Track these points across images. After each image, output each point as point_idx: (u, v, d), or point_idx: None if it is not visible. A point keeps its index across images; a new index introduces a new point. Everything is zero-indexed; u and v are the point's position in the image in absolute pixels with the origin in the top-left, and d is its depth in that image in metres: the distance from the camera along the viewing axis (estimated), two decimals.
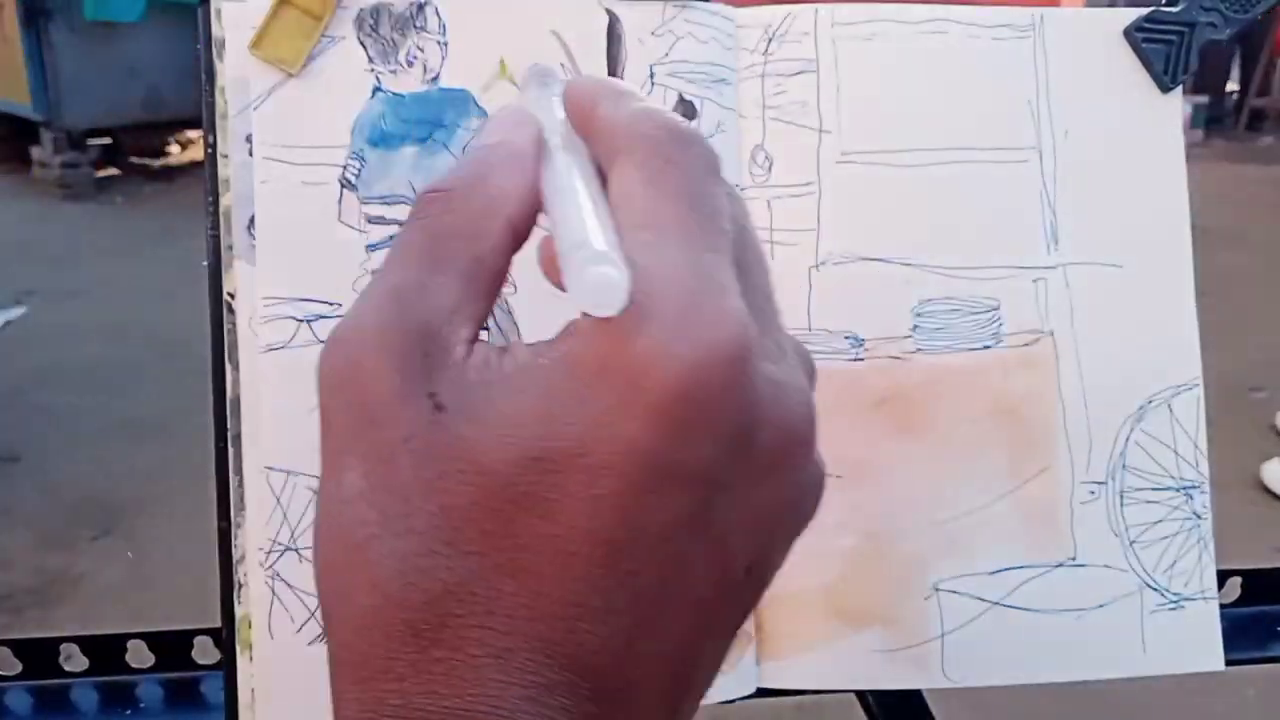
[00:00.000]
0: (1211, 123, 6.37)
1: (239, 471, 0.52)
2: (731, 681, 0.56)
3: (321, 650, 0.52)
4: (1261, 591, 0.68)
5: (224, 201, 0.52)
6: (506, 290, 0.54)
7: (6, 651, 0.63)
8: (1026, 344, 0.58)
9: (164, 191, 5.12)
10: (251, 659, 0.51)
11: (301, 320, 0.52)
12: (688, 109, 0.56)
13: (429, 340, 0.26)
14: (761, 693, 0.57)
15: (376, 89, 0.53)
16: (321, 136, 0.52)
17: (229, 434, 0.52)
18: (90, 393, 2.82)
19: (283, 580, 0.51)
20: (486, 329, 0.55)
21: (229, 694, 0.51)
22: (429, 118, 0.53)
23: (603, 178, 0.29)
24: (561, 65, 0.54)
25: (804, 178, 0.57)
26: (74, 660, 0.63)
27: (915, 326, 0.57)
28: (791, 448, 0.28)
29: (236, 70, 0.52)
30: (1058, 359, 0.58)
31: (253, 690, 0.51)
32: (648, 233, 0.26)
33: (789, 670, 0.56)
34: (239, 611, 0.52)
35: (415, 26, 0.53)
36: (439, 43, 0.54)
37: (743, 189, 0.57)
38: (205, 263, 0.52)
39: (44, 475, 2.43)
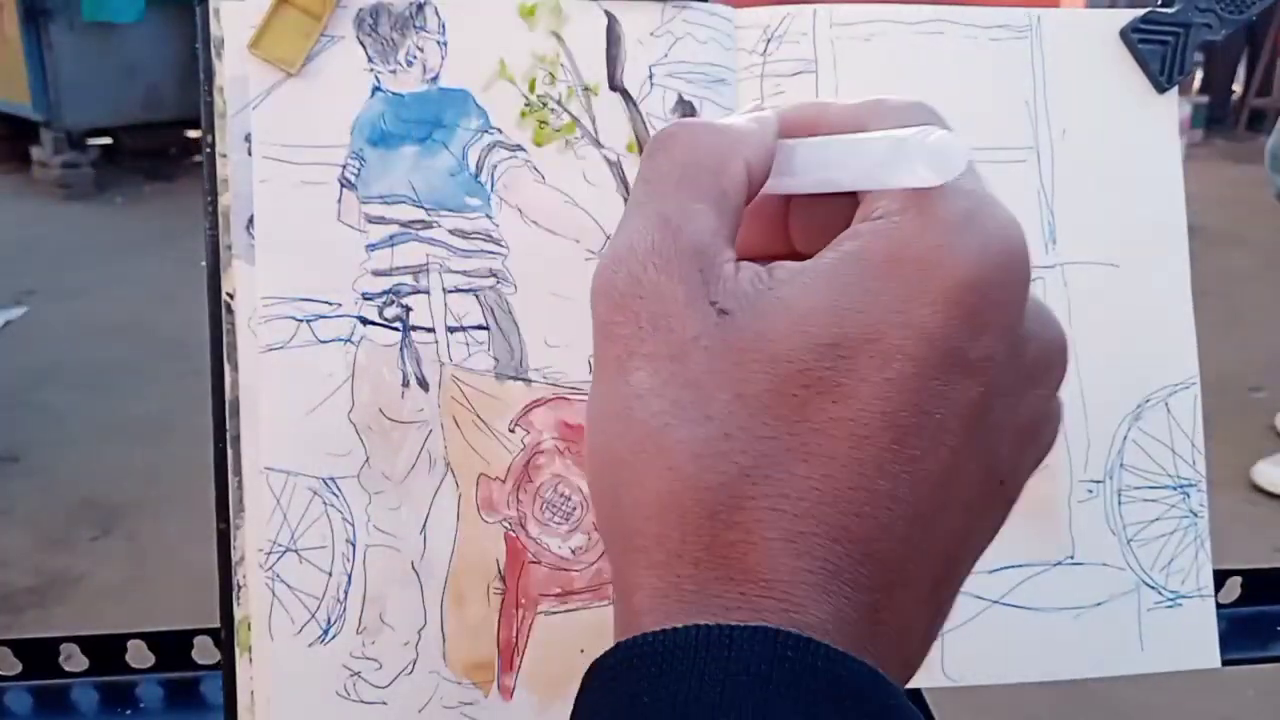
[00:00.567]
0: (1212, 123, 6.37)
1: (238, 472, 0.52)
2: None
3: (321, 651, 0.52)
4: (1261, 591, 0.68)
5: (223, 201, 0.52)
6: (506, 290, 0.54)
7: (6, 651, 0.63)
8: None
9: (164, 191, 5.12)
10: (251, 660, 0.52)
11: (301, 320, 0.52)
12: (687, 109, 0.56)
13: (701, 257, 0.27)
14: None
15: (376, 89, 0.53)
16: (321, 136, 0.52)
17: (228, 434, 0.52)
18: (90, 393, 2.82)
19: (282, 581, 0.52)
20: (486, 328, 0.55)
21: (228, 695, 0.52)
22: (429, 117, 0.53)
23: None
24: (562, 64, 0.55)
25: None
26: (74, 660, 0.63)
27: None
28: (1053, 364, 0.30)
29: (236, 70, 0.52)
30: None
31: (252, 692, 0.51)
32: None
33: None
34: (238, 612, 0.52)
35: (415, 26, 0.53)
36: (439, 42, 0.54)
37: None
38: (204, 262, 0.53)
39: (44, 475, 2.43)
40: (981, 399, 0.26)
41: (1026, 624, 0.57)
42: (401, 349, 0.53)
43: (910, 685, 0.57)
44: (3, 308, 3.44)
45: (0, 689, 0.63)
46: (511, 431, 0.54)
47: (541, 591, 0.54)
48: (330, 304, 0.52)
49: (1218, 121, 6.57)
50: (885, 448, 0.25)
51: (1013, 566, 0.57)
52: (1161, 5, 0.59)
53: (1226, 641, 0.58)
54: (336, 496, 0.52)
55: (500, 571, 0.54)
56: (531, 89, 0.54)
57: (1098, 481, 0.58)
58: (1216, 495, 0.59)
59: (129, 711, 0.62)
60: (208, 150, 0.52)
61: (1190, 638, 0.58)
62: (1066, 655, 0.57)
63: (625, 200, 0.55)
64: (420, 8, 0.53)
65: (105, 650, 0.63)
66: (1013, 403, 0.28)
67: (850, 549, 0.25)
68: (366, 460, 0.53)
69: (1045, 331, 0.29)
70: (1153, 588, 0.58)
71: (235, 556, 0.52)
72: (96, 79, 4.90)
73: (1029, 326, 0.27)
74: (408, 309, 0.53)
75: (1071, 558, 0.58)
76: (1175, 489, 0.59)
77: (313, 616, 0.52)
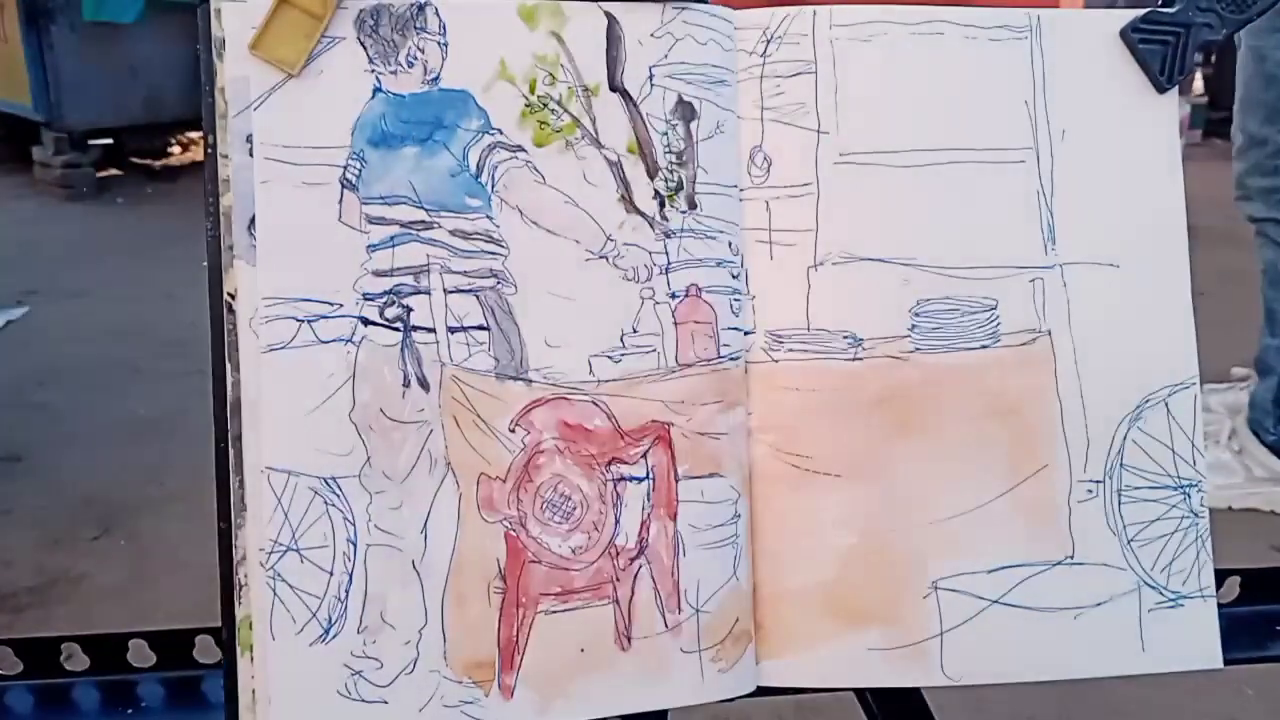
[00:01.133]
0: (1212, 123, 6.35)
1: (239, 472, 0.52)
2: (731, 680, 0.56)
3: (322, 651, 0.52)
4: (1260, 591, 0.68)
5: (224, 202, 0.52)
6: (506, 290, 0.54)
7: (7, 651, 0.63)
8: (1024, 343, 0.58)
9: (165, 192, 5.12)
10: (252, 659, 0.52)
11: (302, 320, 0.52)
12: (687, 110, 0.56)
13: None
14: (761, 691, 0.57)
15: (377, 89, 0.53)
16: (322, 137, 0.53)
17: (230, 434, 0.52)
18: (91, 393, 2.82)
19: (284, 581, 0.52)
20: (486, 329, 0.55)
21: (229, 694, 0.52)
22: (429, 118, 0.54)
23: None
24: (562, 65, 0.55)
25: (802, 178, 0.57)
26: (75, 659, 0.64)
27: (913, 326, 0.57)
28: None
29: (236, 70, 0.52)
30: (1055, 358, 0.58)
31: (253, 691, 0.52)
32: None
33: (789, 669, 0.57)
34: (240, 612, 0.52)
35: (415, 27, 0.53)
36: (439, 43, 0.54)
37: (741, 190, 0.57)
38: (205, 263, 0.53)
39: (45, 475, 2.43)
40: None
41: (1027, 624, 0.57)
42: (402, 349, 0.53)
43: (910, 685, 0.57)
44: (3, 308, 3.44)
45: (1, 688, 0.63)
46: (512, 431, 0.54)
47: (542, 590, 0.54)
48: (331, 304, 0.52)
49: (1223, 122, 6.56)
50: None
51: (1013, 566, 0.57)
52: (1162, 5, 0.59)
53: (1226, 641, 0.58)
54: (337, 496, 0.52)
55: (501, 571, 0.54)
56: (532, 90, 0.54)
57: (1098, 481, 0.58)
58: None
59: (130, 711, 0.62)
60: (209, 151, 0.53)
61: (1192, 638, 0.58)
62: (1067, 655, 0.57)
63: (625, 201, 0.55)
64: (421, 9, 0.54)
65: (106, 649, 0.63)
66: None
67: None
68: (367, 460, 0.53)
69: None
70: (1154, 588, 0.58)
71: (236, 556, 0.52)
72: (98, 79, 4.90)
73: None
74: (408, 309, 0.53)
75: (1071, 558, 0.58)
76: (1176, 489, 0.59)
77: (314, 616, 0.52)
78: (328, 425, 0.52)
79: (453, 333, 0.54)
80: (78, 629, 0.65)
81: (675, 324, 0.56)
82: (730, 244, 0.57)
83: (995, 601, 0.57)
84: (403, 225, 0.53)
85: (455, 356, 0.54)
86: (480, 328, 0.54)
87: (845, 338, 0.57)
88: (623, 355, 0.55)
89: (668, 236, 0.56)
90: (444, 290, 0.53)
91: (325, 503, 0.52)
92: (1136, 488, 0.58)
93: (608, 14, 0.55)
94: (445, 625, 0.53)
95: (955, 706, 0.62)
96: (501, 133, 0.54)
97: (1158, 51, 0.59)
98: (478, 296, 0.54)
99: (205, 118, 0.53)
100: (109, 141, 5.32)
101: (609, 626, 0.55)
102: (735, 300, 0.57)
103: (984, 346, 0.58)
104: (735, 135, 0.57)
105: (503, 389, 0.54)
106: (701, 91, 0.56)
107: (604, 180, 0.55)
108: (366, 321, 0.53)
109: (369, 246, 0.53)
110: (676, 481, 0.55)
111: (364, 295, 0.53)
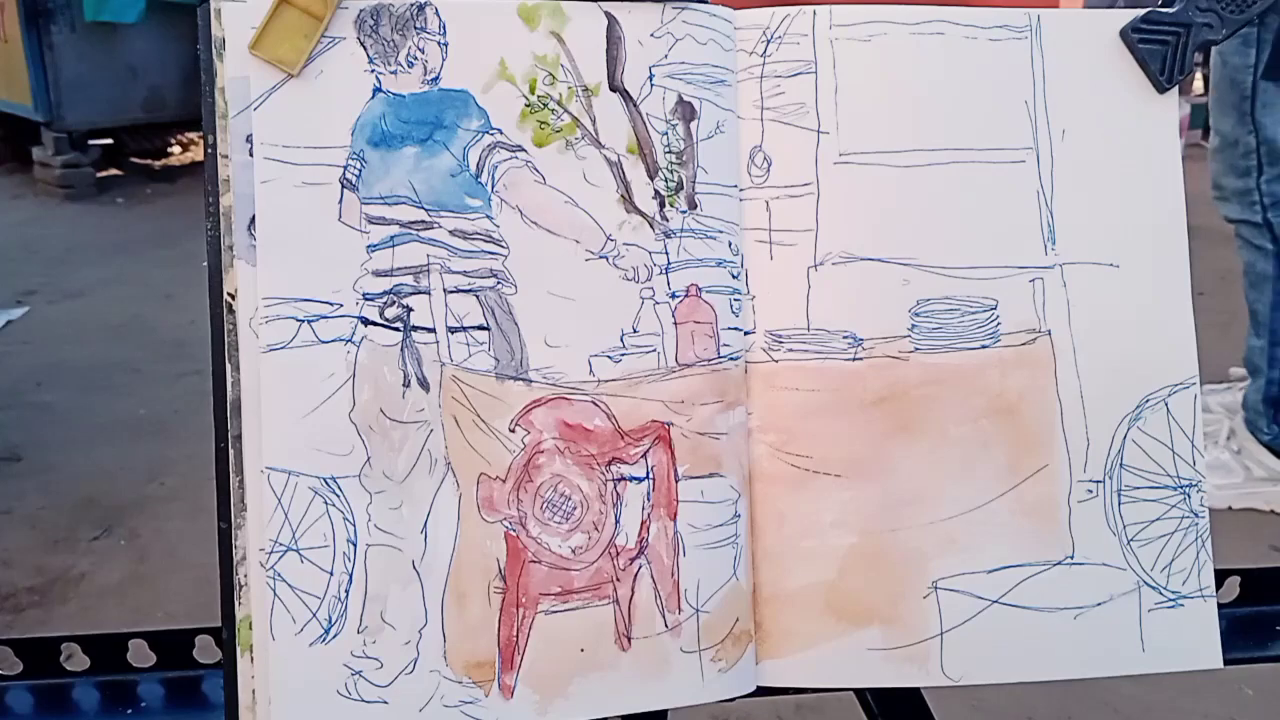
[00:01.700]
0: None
1: (239, 472, 0.52)
2: (731, 680, 0.56)
3: (322, 651, 0.52)
4: (1260, 591, 0.68)
5: (224, 202, 0.52)
6: (506, 290, 0.54)
7: (8, 651, 0.63)
8: (1024, 343, 0.58)
9: (165, 192, 5.12)
10: (252, 659, 0.52)
11: (302, 320, 0.52)
12: (687, 110, 0.56)
13: None
14: (761, 691, 0.57)
15: (377, 90, 0.53)
16: (322, 137, 0.53)
17: (229, 434, 0.52)
18: (91, 393, 2.82)
19: (284, 581, 0.52)
20: (486, 329, 0.55)
21: (229, 694, 0.52)
22: (429, 118, 0.54)
23: None
24: (562, 65, 0.55)
25: (802, 178, 0.57)
26: (75, 659, 0.64)
27: (913, 326, 0.57)
28: None
29: (237, 70, 0.52)
30: (1055, 358, 0.58)
31: (253, 691, 0.52)
32: None
33: (789, 669, 0.57)
34: (240, 612, 0.52)
35: (416, 27, 0.53)
36: (439, 43, 0.54)
37: (741, 190, 0.57)
38: (205, 263, 0.53)
39: (45, 475, 2.43)
40: None
41: (1027, 624, 0.57)
42: (402, 349, 0.53)
43: (910, 685, 0.57)
44: (3, 308, 3.44)
45: (2, 688, 0.63)
46: (512, 431, 0.54)
47: (542, 590, 0.54)
48: (331, 304, 0.52)
49: None
50: None
51: (1013, 566, 0.57)
52: (1162, 5, 0.59)
53: (1226, 641, 0.58)
54: (337, 496, 0.52)
55: (501, 570, 0.54)
56: (532, 90, 0.54)
57: (1097, 481, 0.58)
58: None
59: (130, 711, 0.62)
60: (209, 151, 0.53)
61: (1192, 638, 0.58)
62: (1067, 655, 0.57)
63: (625, 201, 0.55)
64: (421, 9, 0.54)
65: (106, 649, 0.63)
66: None
67: None
68: (367, 460, 0.53)
69: None
70: (1154, 588, 0.58)
71: (237, 556, 0.52)
72: (98, 80, 4.90)
73: None
74: (408, 309, 0.53)
75: (1071, 558, 0.58)
76: (1176, 489, 0.59)
77: (314, 616, 0.52)
78: (328, 425, 0.52)
79: (453, 333, 0.54)
80: (78, 629, 0.65)
81: (675, 324, 0.56)
82: (730, 244, 0.57)
83: (995, 601, 0.57)
84: (403, 225, 0.53)
85: (455, 356, 0.54)
86: (480, 328, 0.54)
87: (845, 338, 0.57)
88: (623, 355, 0.55)
89: (668, 236, 0.56)
90: (444, 290, 0.53)
91: (325, 503, 0.52)
92: (1136, 488, 0.58)
93: (608, 14, 0.55)
94: (445, 625, 0.53)
95: (955, 706, 0.62)
96: (501, 133, 0.54)
97: (1158, 51, 0.59)
98: (478, 296, 0.54)
99: (205, 118, 0.53)
100: (109, 141, 5.32)
101: (609, 626, 0.55)
102: (735, 300, 0.57)
103: (984, 346, 0.58)
104: (735, 135, 0.57)
105: (503, 389, 0.54)
106: (701, 91, 0.56)
107: (604, 180, 0.55)
108: (366, 321, 0.53)
109: (369, 246, 0.53)
110: (676, 481, 0.55)
111: (364, 295, 0.53)
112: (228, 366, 0.52)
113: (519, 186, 0.54)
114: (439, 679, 0.53)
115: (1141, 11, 0.59)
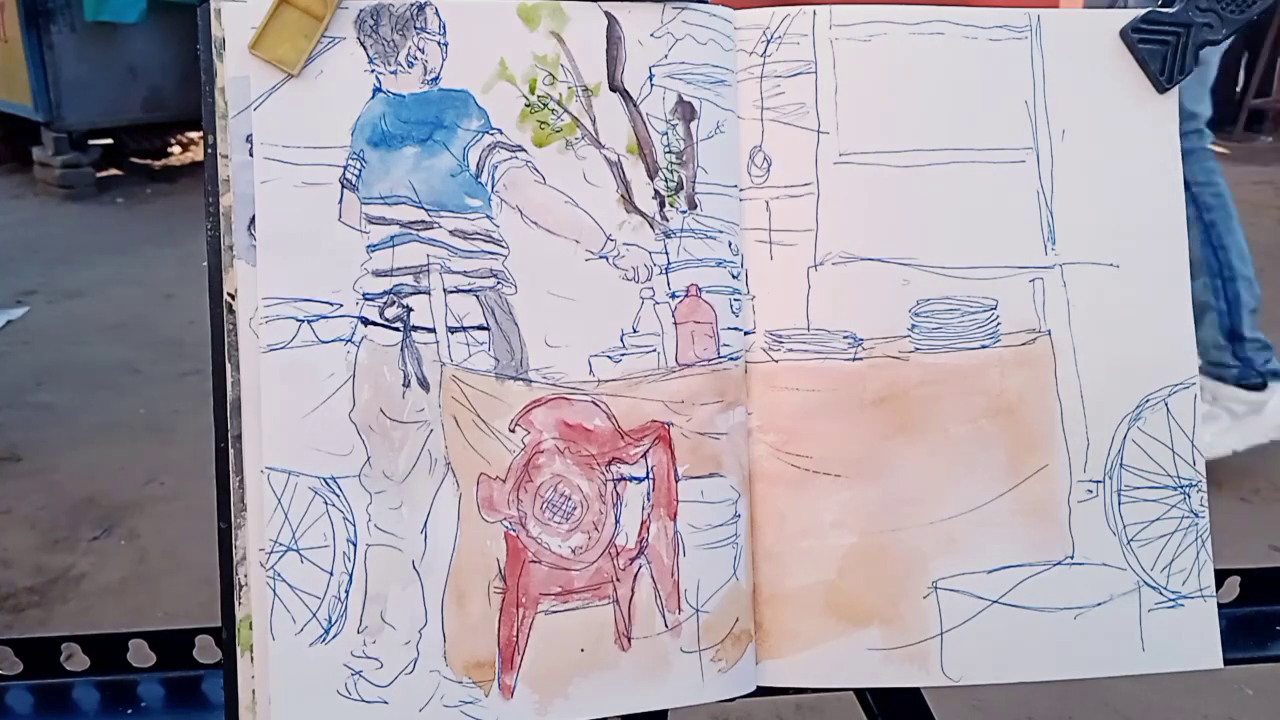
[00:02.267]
0: (1215, 123, 6.34)
1: (239, 472, 0.52)
2: (731, 680, 0.56)
3: (322, 651, 0.52)
4: (1260, 591, 0.68)
5: (224, 202, 0.52)
6: (506, 290, 0.54)
7: (8, 651, 0.63)
8: (1024, 343, 0.58)
9: (165, 192, 5.12)
10: (252, 659, 0.52)
11: (302, 320, 0.52)
12: (687, 110, 0.56)
13: None
14: (761, 691, 0.57)
15: (377, 90, 0.53)
16: (322, 137, 0.53)
17: (230, 434, 0.52)
18: (90, 393, 2.82)
19: (284, 581, 0.52)
20: (486, 329, 0.55)
21: (229, 694, 0.52)
22: (429, 118, 0.54)
23: None
24: (562, 65, 0.55)
25: (802, 178, 0.57)
26: (75, 659, 0.64)
27: (913, 326, 0.57)
28: None
29: (236, 70, 0.52)
30: (1055, 358, 0.58)
31: (253, 691, 0.52)
32: None
33: (789, 669, 0.57)
34: (240, 612, 0.52)
35: (416, 27, 0.53)
36: (439, 43, 0.54)
37: (741, 190, 0.57)
38: (205, 263, 0.53)
39: (45, 475, 2.43)
40: None
41: (1027, 624, 0.57)
42: (402, 349, 0.53)
43: (910, 685, 0.57)
44: (3, 308, 3.44)
45: (2, 688, 0.63)
46: (512, 431, 0.54)
47: (542, 590, 0.54)
48: (331, 304, 0.52)
49: (1231, 122, 6.55)
50: None
51: (1013, 566, 0.57)
52: (1162, 5, 0.59)
53: (1225, 641, 0.58)
54: (337, 496, 0.52)
55: (501, 571, 0.54)
56: (532, 90, 0.54)
57: (1097, 481, 0.58)
58: (1215, 495, 0.59)
59: (130, 710, 0.62)
60: (209, 151, 0.53)
61: (1193, 638, 0.58)
62: (1067, 655, 0.57)
63: (625, 201, 0.55)
64: (421, 9, 0.54)
65: (106, 649, 0.63)
66: None
67: None
68: (367, 460, 0.53)
69: None
70: (1154, 588, 0.58)
71: (236, 556, 0.52)
72: (98, 80, 4.91)
73: None
74: (408, 309, 0.53)
75: (1071, 558, 0.58)
76: (1176, 489, 0.59)
77: (314, 616, 0.52)
78: (328, 425, 0.52)
79: (453, 333, 0.54)
80: (78, 629, 0.65)
81: (675, 324, 0.56)
82: (730, 244, 0.57)
83: (995, 601, 0.57)
84: (403, 225, 0.53)
85: (455, 356, 0.54)
86: (480, 328, 0.54)
87: (845, 337, 0.57)
88: (623, 355, 0.55)
89: (668, 236, 0.56)
90: (444, 290, 0.53)
91: (325, 503, 0.52)
92: (1136, 488, 0.58)
93: (608, 14, 0.55)
94: (445, 625, 0.53)
95: (955, 706, 0.62)
96: (501, 133, 0.54)
97: (1158, 51, 0.59)
98: (478, 296, 0.54)
99: (205, 118, 0.53)
100: (109, 141, 5.32)
101: (609, 626, 0.55)
102: (735, 300, 0.57)
103: (984, 346, 0.58)
104: (735, 135, 0.57)
105: (503, 389, 0.54)
106: (701, 91, 0.56)
107: (604, 180, 0.55)
108: (366, 321, 0.53)
109: (369, 246, 0.53)
110: (676, 481, 0.55)
111: (364, 295, 0.53)
112: (228, 366, 0.52)
113: (519, 186, 0.54)
114: (439, 679, 0.53)
115: (1141, 11, 0.59)
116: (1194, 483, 0.59)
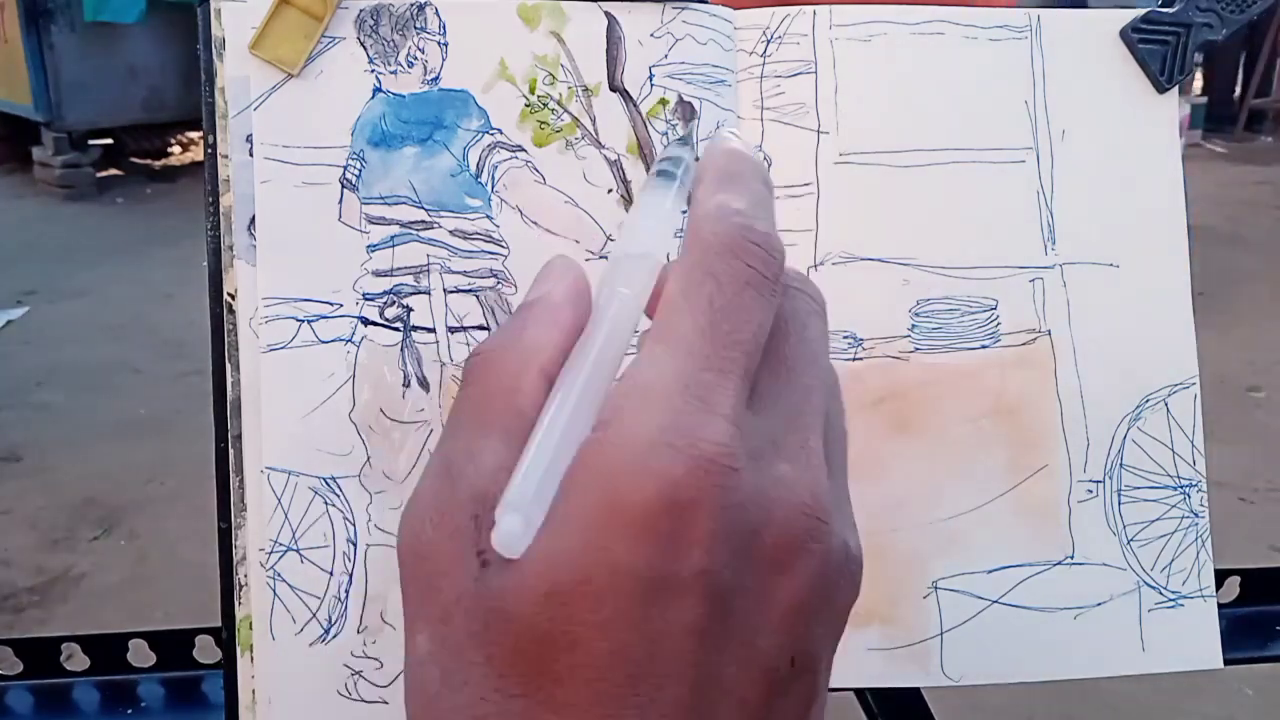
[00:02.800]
0: (1212, 123, 6.35)
1: (239, 472, 0.52)
2: None
3: (322, 651, 0.52)
4: (1260, 591, 0.68)
5: (224, 202, 0.52)
6: (507, 291, 0.54)
7: (8, 651, 0.63)
8: (1024, 343, 0.58)
9: (165, 192, 5.12)
10: (252, 659, 0.52)
11: (302, 320, 0.52)
12: (687, 110, 0.56)
13: (478, 503, 0.27)
14: None
15: (377, 90, 0.53)
16: (322, 137, 0.53)
17: (229, 434, 0.52)
18: (90, 393, 2.82)
19: (284, 581, 0.52)
20: (486, 329, 0.55)
21: (229, 694, 0.52)
22: (429, 118, 0.54)
23: None
24: (562, 65, 0.55)
25: (802, 178, 0.57)
26: (75, 659, 0.64)
27: (913, 326, 0.57)
28: (797, 544, 0.27)
29: (236, 70, 0.52)
30: (1055, 358, 0.58)
31: (253, 691, 0.52)
32: (660, 346, 0.28)
33: None
34: (239, 612, 0.52)
35: (415, 27, 0.54)
36: (439, 43, 0.54)
37: None
38: (205, 263, 0.53)
39: (44, 475, 2.43)
40: (716, 609, 0.25)
41: (1027, 624, 0.57)
42: (402, 349, 0.53)
43: (910, 685, 0.57)
44: (3, 308, 3.44)
45: (1, 689, 0.63)
46: None
47: None
48: (331, 304, 0.52)
49: (1230, 121, 6.56)
50: (620, 686, 0.25)
51: (1013, 566, 0.57)
52: (1162, 5, 0.59)
53: (1225, 641, 0.58)
54: (338, 496, 0.52)
55: None
56: (532, 89, 0.54)
57: (1097, 481, 0.58)
58: (1215, 495, 0.59)
59: (130, 711, 0.62)
60: (209, 151, 0.53)
61: (1193, 638, 0.58)
62: (1067, 655, 0.57)
63: (625, 201, 0.55)
64: (421, 9, 0.54)
65: (106, 650, 0.63)
66: (763, 594, 0.27)
67: None
68: (368, 460, 0.53)
69: (778, 516, 0.27)
70: (1154, 588, 0.58)
71: (236, 556, 0.52)
72: (98, 80, 4.91)
73: (753, 518, 0.26)
74: (409, 309, 0.53)
75: (1071, 558, 0.58)
76: (1176, 489, 0.59)
77: (314, 616, 0.52)
78: (328, 425, 0.52)
79: (453, 333, 0.54)
80: (78, 629, 0.65)
81: None
82: None
83: (995, 601, 0.57)
84: (403, 225, 0.53)
85: (455, 356, 0.54)
86: (480, 328, 0.54)
87: (845, 337, 0.57)
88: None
89: None
90: (444, 290, 0.53)
91: (325, 503, 0.52)
92: (1136, 488, 0.58)
93: (608, 14, 0.55)
94: None
95: (955, 706, 0.62)
96: (501, 133, 0.54)
97: (1158, 51, 0.59)
98: (478, 296, 0.54)
99: (205, 118, 0.53)
100: (109, 141, 5.32)
101: None
102: None
103: (984, 347, 0.58)
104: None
105: None
106: (701, 91, 0.56)
107: (604, 180, 0.55)
108: (366, 321, 0.53)
109: (369, 246, 0.53)
110: None
111: (364, 295, 0.53)
112: (228, 366, 0.52)
113: (519, 186, 0.54)
114: None
115: (1141, 11, 0.59)
116: (1194, 483, 0.59)
